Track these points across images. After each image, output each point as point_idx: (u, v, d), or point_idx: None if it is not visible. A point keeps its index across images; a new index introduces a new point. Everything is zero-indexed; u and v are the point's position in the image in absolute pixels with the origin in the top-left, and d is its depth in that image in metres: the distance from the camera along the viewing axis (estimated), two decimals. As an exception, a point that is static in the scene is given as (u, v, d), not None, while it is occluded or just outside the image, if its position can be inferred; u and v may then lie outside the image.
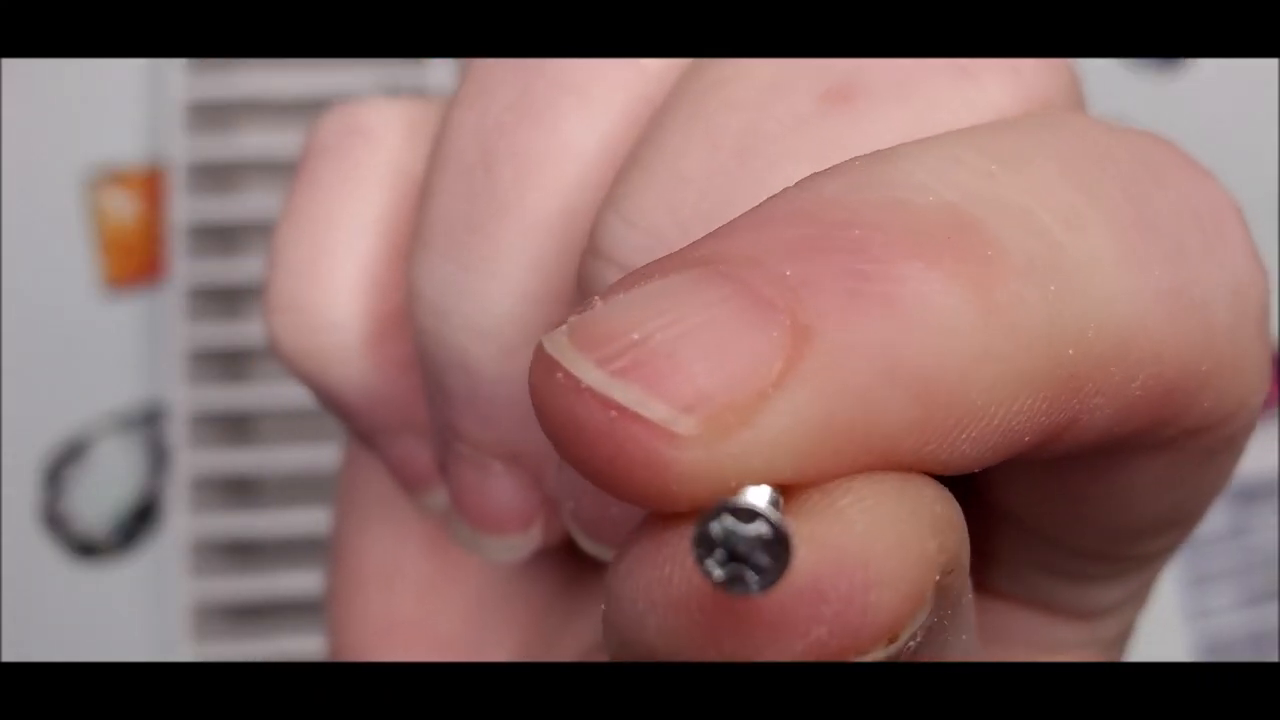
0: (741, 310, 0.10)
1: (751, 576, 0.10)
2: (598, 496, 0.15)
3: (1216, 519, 0.47)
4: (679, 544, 0.10)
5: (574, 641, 0.20)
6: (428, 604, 0.20)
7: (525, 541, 0.17)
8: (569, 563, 0.20)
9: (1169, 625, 0.46)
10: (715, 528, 0.10)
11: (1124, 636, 0.17)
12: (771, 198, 0.11)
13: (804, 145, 0.14)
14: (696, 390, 0.10)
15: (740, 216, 0.11)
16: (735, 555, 0.10)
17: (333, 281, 0.17)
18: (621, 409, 0.10)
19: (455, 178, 0.16)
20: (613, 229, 0.14)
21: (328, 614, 0.20)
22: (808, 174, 0.12)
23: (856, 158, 0.12)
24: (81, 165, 0.45)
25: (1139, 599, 0.17)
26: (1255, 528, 0.47)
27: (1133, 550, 0.15)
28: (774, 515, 0.10)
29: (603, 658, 0.19)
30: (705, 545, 0.10)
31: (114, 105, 0.45)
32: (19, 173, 0.45)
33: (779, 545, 0.09)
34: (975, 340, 0.10)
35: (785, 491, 0.10)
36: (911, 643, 0.10)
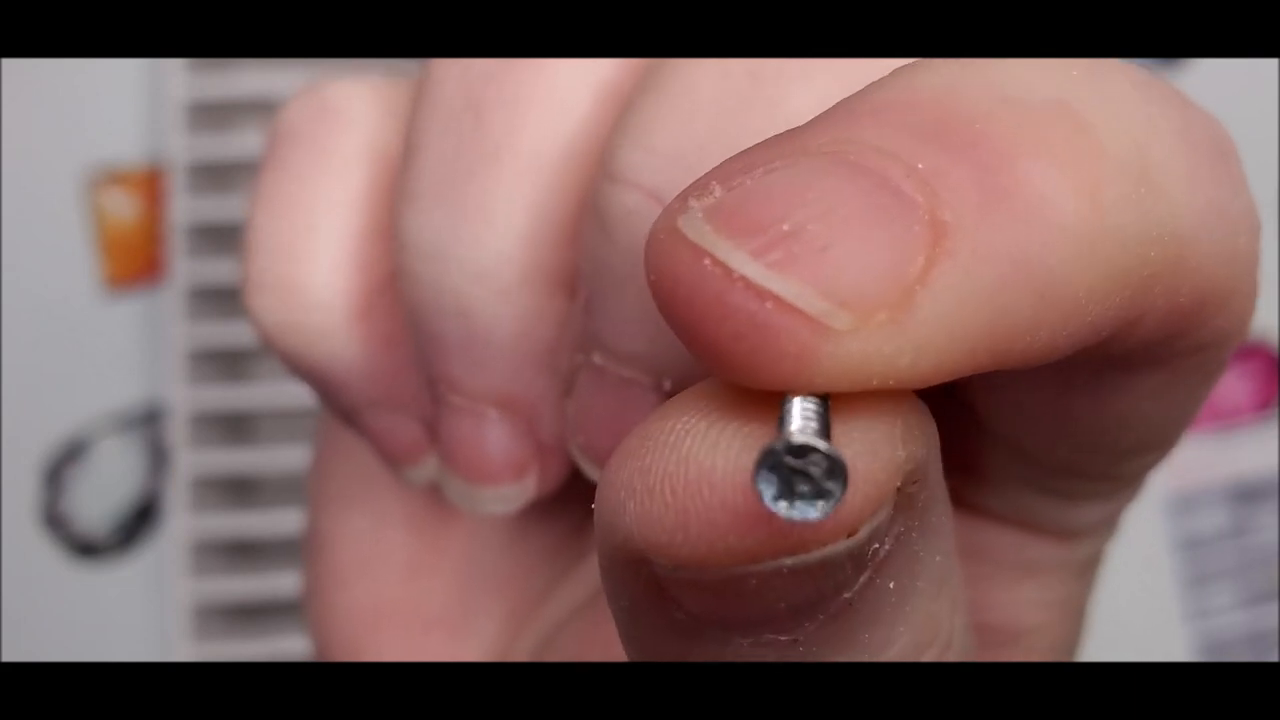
0: (885, 204, 0.10)
1: (801, 508, 0.10)
2: (609, 429, 0.15)
3: (1216, 519, 0.47)
4: (658, 436, 0.11)
5: (562, 604, 0.20)
6: (413, 584, 0.20)
7: (520, 491, 0.17)
8: (552, 526, 0.20)
9: (1169, 625, 0.46)
10: (794, 460, 0.10)
11: (1095, 562, 0.18)
12: (871, 86, 0.11)
13: (818, 67, 0.14)
14: (851, 285, 0.10)
15: (845, 102, 0.11)
16: (791, 488, 0.10)
17: (314, 259, 0.17)
18: (778, 300, 0.10)
19: (443, 128, 0.16)
20: (630, 154, 0.14)
21: (309, 610, 0.20)
22: (826, 97, 0.12)
23: (937, 60, 0.12)
24: (81, 165, 0.45)
25: (1112, 524, 0.17)
26: (1255, 528, 0.47)
27: (1119, 469, 0.15)
28: (846, 479, 0.10)
29: (591, 614, 0.19)
30: (771, 466, 0.10)
31: (114, 105, 0.45)
32: (19, 173, 0.45)
33: (830, 502, 0.10)
34: (1086, 238, 0.11)
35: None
36: (879, 546, 0.11)
